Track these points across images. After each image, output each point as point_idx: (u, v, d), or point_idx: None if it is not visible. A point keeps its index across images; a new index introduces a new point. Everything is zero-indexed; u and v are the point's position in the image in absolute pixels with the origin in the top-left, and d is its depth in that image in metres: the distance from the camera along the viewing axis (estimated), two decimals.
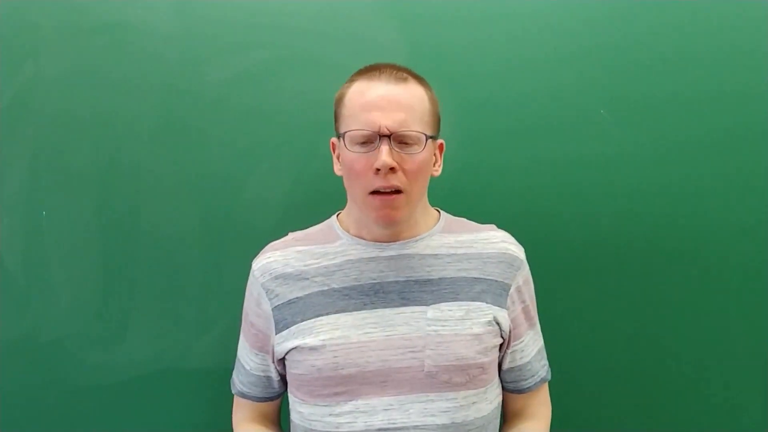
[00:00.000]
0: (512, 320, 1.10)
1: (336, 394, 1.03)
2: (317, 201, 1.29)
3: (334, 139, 1.09)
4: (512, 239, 1.14)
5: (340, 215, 1.15)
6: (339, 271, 1.07)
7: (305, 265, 1.09)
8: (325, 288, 1.06)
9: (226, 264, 1.33)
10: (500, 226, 1.15)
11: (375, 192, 1.01)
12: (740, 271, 1.35)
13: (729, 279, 1.35)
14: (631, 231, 1.34)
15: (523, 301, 1.12)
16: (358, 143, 1.01)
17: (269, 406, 1.18)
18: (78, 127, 1.32)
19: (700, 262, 1.35)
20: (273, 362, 1.12)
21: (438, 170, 1.10)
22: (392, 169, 0.99)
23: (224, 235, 1.33)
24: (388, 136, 0.99)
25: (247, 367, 1.14)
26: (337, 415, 1.03)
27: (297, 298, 1.07)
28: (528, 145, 1.34)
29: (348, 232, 1.11)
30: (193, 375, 1.34)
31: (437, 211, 1.16)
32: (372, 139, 1.00)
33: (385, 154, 0.98)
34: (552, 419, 1.17)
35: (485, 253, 1.10)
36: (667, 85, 1.33)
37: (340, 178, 1.08)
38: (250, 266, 1.12)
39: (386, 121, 0.99)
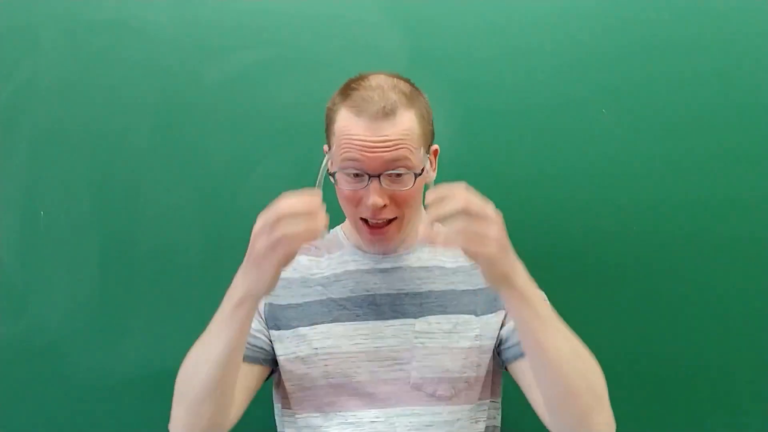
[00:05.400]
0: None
1: (325, 404, 1.04)
2: None
3: (327, 147, 1.06)
4: None
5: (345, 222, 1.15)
6: (337, 282, 1.09)
7: (311, 274, 1.10)
8: (324, 297, 1.08)
9: (226, 264, 1.31)
10: None
11: (365, 219, 1.02)
12: (745, 280, 1.31)
13: (732, 286, 1.31)
14: (634, 242, 1.32)
15: None
16: (347, 175, 0.99)
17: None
18: (76, 126, 1.32)
19: (703, 270, 1.31)
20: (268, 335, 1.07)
21: (432, 176, 1.06)
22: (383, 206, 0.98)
23: (223, 234, 1.32)
24: (378, 176, 0.96)
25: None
26: (327, 428, 1.04)
27: (296, 304, 1.08)
28: (530, 154, 1.32)
29: (349, 240, 1.12)
30: None
31: None
32: (361, 174, 0.97)
33: (374, 195, 0.97)
34: None
35: (471, 263, 1.07)
36: (674, 93, 1.31)
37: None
38: None
39: (374, 163, 0.96)
